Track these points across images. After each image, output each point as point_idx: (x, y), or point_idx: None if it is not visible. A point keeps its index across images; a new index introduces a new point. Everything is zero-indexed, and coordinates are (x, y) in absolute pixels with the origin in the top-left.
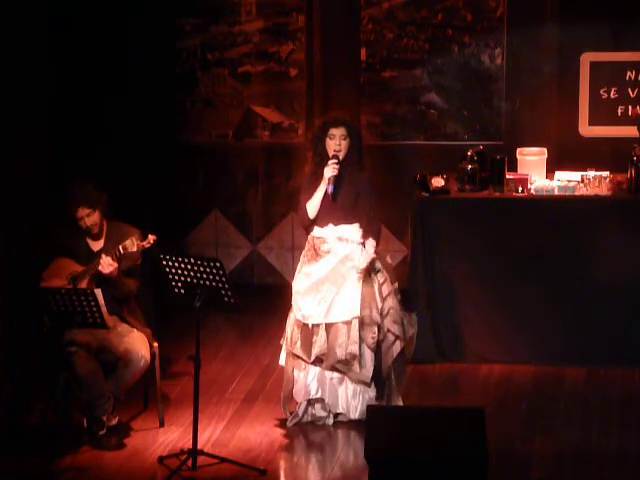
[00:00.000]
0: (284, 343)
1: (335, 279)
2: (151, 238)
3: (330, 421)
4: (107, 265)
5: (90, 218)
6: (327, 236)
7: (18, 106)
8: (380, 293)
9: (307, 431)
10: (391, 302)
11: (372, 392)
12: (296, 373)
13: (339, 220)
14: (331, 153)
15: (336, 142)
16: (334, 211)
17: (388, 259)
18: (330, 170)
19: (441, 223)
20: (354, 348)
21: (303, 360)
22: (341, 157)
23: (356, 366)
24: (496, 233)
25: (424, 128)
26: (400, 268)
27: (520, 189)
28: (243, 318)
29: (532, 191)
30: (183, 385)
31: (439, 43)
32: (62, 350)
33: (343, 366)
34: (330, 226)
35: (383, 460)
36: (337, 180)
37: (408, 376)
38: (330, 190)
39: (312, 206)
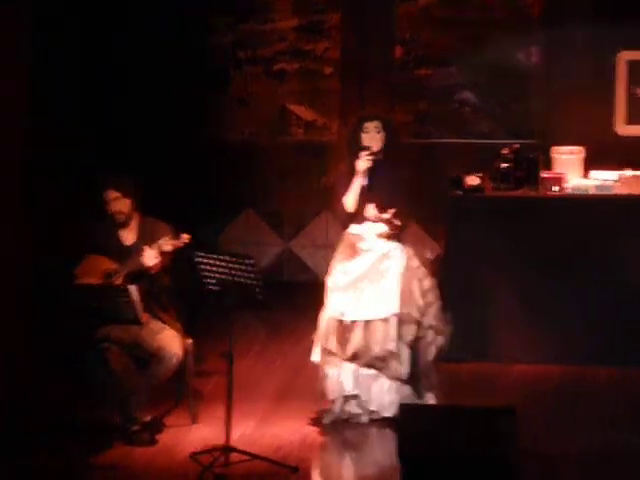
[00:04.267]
0: (317, 339)
1: (373, 277)
2: (185, 237)
3: (365, 419)
4: (151, 257)
5: (117, 203)
6: (365, 233)
7: (49, 104)
8: (420, 289)
9: (339, 428)
10: (431, 298)
11: (407, 389)
12: (330, 369)
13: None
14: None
15: (370, 135)
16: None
17: (428, 254)
18: (363, 162)
19: (475, 222)
20: (392, 345)
21: (338, 356)
22: (375, 150)
23: (393, 363)
24: (530, 232)
25: (458, 126)
26: (433, 266)
27: (555, 188)
28: (275, 315)
29: (567, 190)
30: (215, 382)
31: (474, 41)
32: (96, 346)
33: (380, 363)
34: (368, 223)
35: (415, 458)
36: (372, 173)
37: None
38: (364, 182)
39: (350, 199)
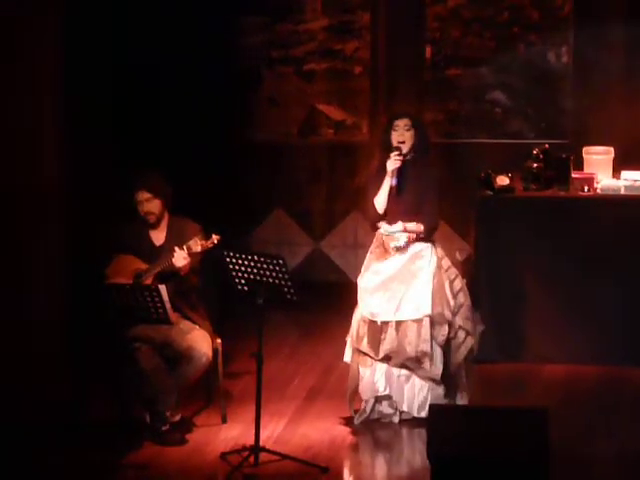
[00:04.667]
0: (349, 340)
1: (404, 277)
2: (215, 238)
3: (396, 419)
4: (181, 258)
5: (149, 204)
6: (397, 234)
7: (83, 105)
8: (451, 290)
9: (370, 429)
10: (462, 298)
11: (440, 390)
12: (362, 370)
13: (408, 217)
14: (395, 145)
15: (399, 133)
16: (401, 206)
17: (457, 256)
18: (392, 162)
19: (505, 222)
20: (425, 346)
21: (370, 357)
22: (405, 149)
23: (427, 363)
24: (561, 232)
25: (488, 126)
26: (464, 267)
27: (586, 188)
28: (305, 316)
29: (598, 190)
30: (245, 382)
31: (504, 41)
32: (126, 346)
33: (413, 363)
34: (400, 223)
35: (445, 459)
36: (401, 173)
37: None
38: (394, 183)
39: (380, 200)
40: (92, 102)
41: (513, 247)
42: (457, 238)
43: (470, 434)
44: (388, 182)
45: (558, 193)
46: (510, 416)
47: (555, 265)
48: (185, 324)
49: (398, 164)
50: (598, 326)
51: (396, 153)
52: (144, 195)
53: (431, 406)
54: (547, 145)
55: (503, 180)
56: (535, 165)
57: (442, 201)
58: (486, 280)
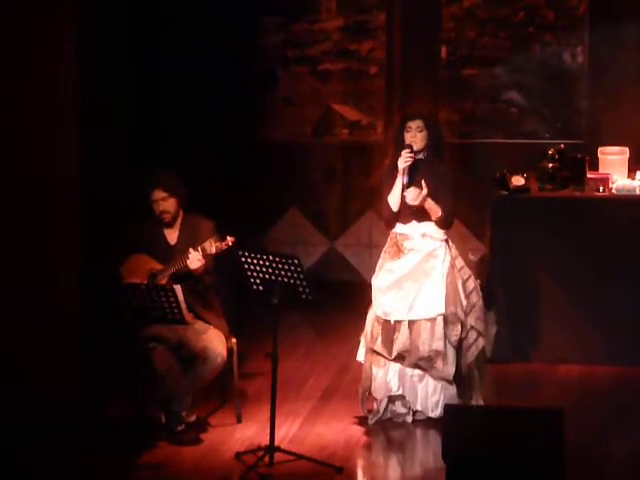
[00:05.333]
0: (363, 339)
1: (418, 276)
2: (229, 240)
3: (409, 418)
4: (196, 260)
5: (165, 203)
6: (410, 233)
7: (100, 105)
8: (464, 289)
9: (384, 429)
10: (475, 298)
11: (453, 390)
12: (375, 370)
13: (422, 216)
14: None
15: (411, 134)
16: (415, 206)
17: (470, 256)
18: (403, 160)
19: (520, 222)
20: (439, 345)
21: (383, 357)
22: (417, 148)
23: (439, 363)
24: (576, 232)
25: (504, 126)
26: (478, 266)
27: (601, 188)
28: (320, 315)
29: (613, 190)
30: (260, 382)
31: (520, 41)
32: (141, 346)
33: (425, 363)
34: (414, 222)
35: (460, 460)
36: (415, 172)
37: (486, 375)
38: (404, 181)
39: (394, 199)
40: (109, 102)
41: (528, 247)
42: (472, 238)
43: (485, 434)
44: (400, 181)
45: (573, 193)
46: (525, 416)
47: (570, 265)
48: (200, 324)
49: (409, 162)
50: (613, 326)
51: (407, 151)
52: (160, 194)
53: (446, 406)
54: (562, 145)
55: (518, 180)
56: (550, 165)
57: (458, 201)
58: (501, 280)
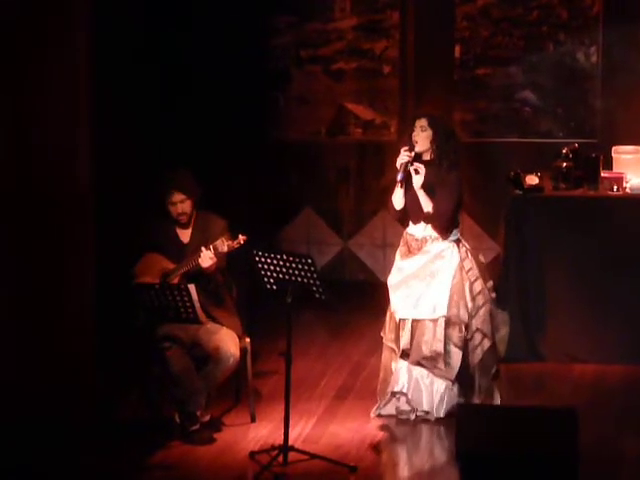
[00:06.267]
0: (383, 335)
1: (424, 276)
2: (241, 238)
3: (412, 416)
4: (208, 259)
5: (182, 205)
6: (418, 233)
7: (114, 103)
8: (471, 291)
9: (398, 428)
10: (481, 301)
11: (456, 390)
12: (393, 365)
13: (431, 221)
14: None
15: (415, 132)
16: (421, 207)
17: (481, 257)
18: (400, 157)
19: (534, 221)
20: (439, 346)
21: (394, 352)
22: (419, 148)
23: (441, 364)
24: (590, 231)
25: (518, 126)
26: (492, 266)
27: (615, 188)
28: (334, 315)
29: (627, 190)
30: (274, 381)
31: (534, 40)
32: (155, 346)
33: (428, 362)
34: (422, 224)
35: (474, 459)
36: (408, 169)
37: (501, 376)
38: (399, 178)
39: (395, 198)
40: (123, 101)
41: (542, 246)
42: (486, 238)
43: (499, 434)
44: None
45: (587, 192)
46: (539, 416)
47: (584, 264)
48: (213, 324)
49: (405, 159)
50: (627, 325)
51: (405, 149)
52: (178, 197)
53: (459, 405)
54: (577, 144)
55: (532, 179)
56: (564, 164)
57: (457, 210)
58: (515, 280)
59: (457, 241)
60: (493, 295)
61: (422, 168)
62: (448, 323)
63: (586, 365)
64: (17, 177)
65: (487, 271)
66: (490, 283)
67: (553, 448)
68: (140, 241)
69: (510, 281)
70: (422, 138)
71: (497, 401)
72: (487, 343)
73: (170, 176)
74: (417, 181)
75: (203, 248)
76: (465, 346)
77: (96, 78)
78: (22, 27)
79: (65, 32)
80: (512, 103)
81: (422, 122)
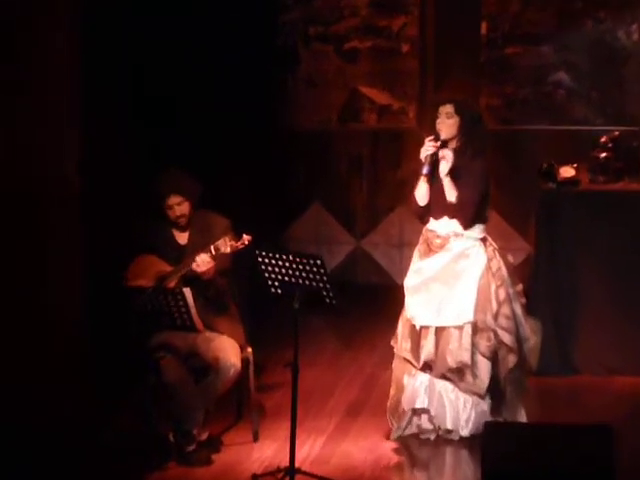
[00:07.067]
0: (395, 345)
1: (447, 278)
2: (246, 238)
3: (434, 436)
4: (204, 264)
5: (180, 208)
6: (440, 230)
7: (103, 96)
8: (496, 296)
9: (415, 448)
10: (507, 309)
11: (485, 405)
12: (406, 379)
13: (452, 212)
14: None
15: (440, 120)
16: (444, 200)
17: (510, 258)
18: (425, 149)
19: (570, 218)
20: (465, 356)
21: (412, 365)
22: (445, 136)
23: (468, 376)
24: (631, 230)
25: (550, 111)
26: (522, 268)
27: None
28: (346, 322)
29: None
30: (279, 395)
31: (569, 17)
32: (149, 355)
33: (454, 375)
34: (445, 219)
35: (501, 479)
36: (434, 160)
37: (530, 389)
38: (425, 171)
39: (419, 193)
40: (112, 91)
41: (578, 246)
42: (516, 236)
43: (529, 454)
44: (423, 172)
45: (629, 186)
46: (572, 434)
47: (624, 267)
48: (211, 332)
49: (431, 151)
50: None
51: (430, 138)
52: (175, 199)
53: (486, 423)
54: (616, 132)
55: (567, 172)
56: (603, 155)
57: (483, 205)
58: (546, 283)
59: (483, 239)
60: (523, 300)
61: (450, 154)
62: (475, 330)
63: (624, 378)
64: (2, 177)
65: (516, 273)
66: (519, 287)
67: (587, 469)
68: (134, 242)
69: (541, 285)
70: (448, 126)
71: (526, 418)
72: (513, 356)
73: (164, 178)
74: (444, 168)
75: (202, 253)
76: (494, 355)
77: (84, 75)
78: (7, 27)
79: (51, 32)
80: (544, 86)
81: (447, 108)
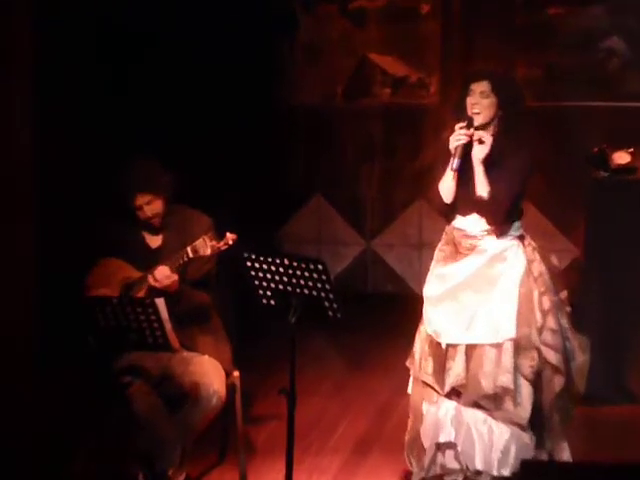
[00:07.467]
0: (411, 367)
1: (480, 285)
2: (229, 238)
3: (461, 477)
4: (163, 277)
5: (151, 207)
6: (471, 228)
7: (65, 72)
8: (540, 306)
9: None
10: (552, 321)
11: (526, 438)
12: (425, 407)
13: (483, 209)
14: (469, 115)
15: (474, 100)
16: (474, 194)
17: (554, 260)
18: (455, 138)
19: (625, 212)
20: (507, 380)
21: (435, 390)
22: (480, 120)
23: (509, 403)
24: None
25: (601, 85)
26: (567, 273)
27: None
28: (353, 338)
29: None
30: (272, 429)
31: None
32: (114, 380)
33: (490, 403)
34: (475, 215)
35: None
36: (466, 152)
37: (576, 420)
38: (455, 165)
39: (445, 187)
40: (75, 67)
41: (635, 247)
42: (559, 236)
43: None
44: (452, 164)
45: None
46: (625, 475)
47: None
48: (189, 352)
49: (463, 141)
50: None
51: (461, 125)
52: (144, 198)
53: (523, 462)
54: None
55: (622, 157)
56: None
57: (519, 199)
58: (598, 291)
59: (521, 237)
60: (568, 309)
61: (487, 137)
62: (517, 348)
63: None
64: None
65: (561, 278)
66: (564, 293)
67: None
68: (94, 243)
69: (591, 294)
70: (484, 107)
71: (571, 455)
72: (561, 378)
73: (128, 173)
74: (479, 152)
75: (160, 265)
76: (538, 378)
77: (37, 42)
78: None
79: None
80: (593, 55)
81: (482, 86)
